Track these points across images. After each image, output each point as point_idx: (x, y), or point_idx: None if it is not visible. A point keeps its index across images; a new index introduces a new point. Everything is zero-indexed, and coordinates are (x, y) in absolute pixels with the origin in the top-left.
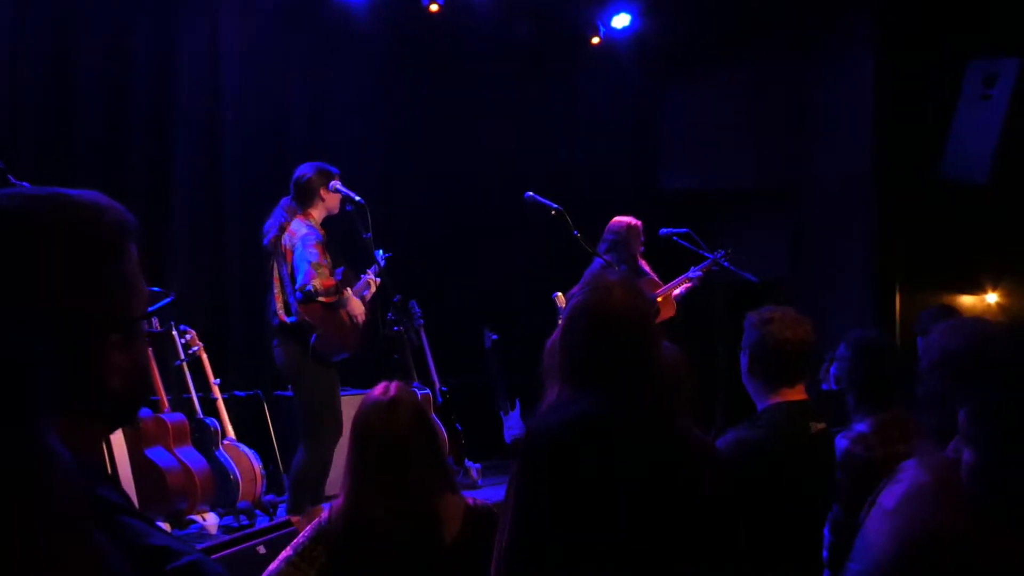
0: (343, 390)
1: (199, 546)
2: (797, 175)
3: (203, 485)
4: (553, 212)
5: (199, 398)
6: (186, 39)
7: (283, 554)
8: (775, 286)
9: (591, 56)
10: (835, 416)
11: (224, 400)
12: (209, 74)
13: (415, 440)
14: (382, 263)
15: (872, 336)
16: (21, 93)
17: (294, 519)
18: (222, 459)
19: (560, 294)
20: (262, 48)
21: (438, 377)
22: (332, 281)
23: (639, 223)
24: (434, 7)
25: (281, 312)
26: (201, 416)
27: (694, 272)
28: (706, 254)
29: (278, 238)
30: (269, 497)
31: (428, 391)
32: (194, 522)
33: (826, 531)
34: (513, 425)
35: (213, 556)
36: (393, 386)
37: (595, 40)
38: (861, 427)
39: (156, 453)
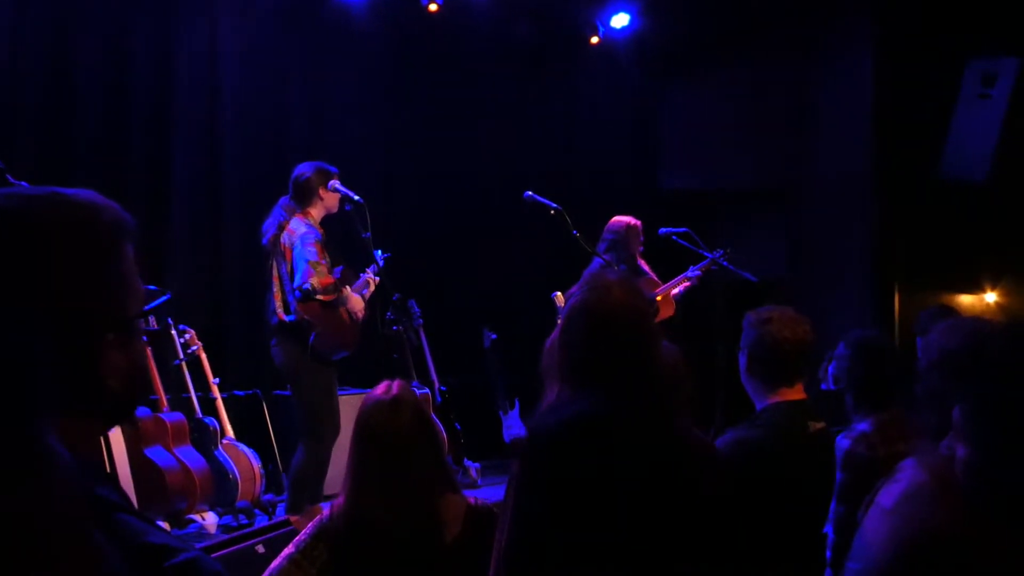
0: (342, 390)
1: (198, 545)
2: (796, 175)
3: (202, 484)
4: (552, 212)
5: (198, 398)
6: (185, 39)
7: (285, 551)
8: (774, 286)
9: (590, 56)
10: (834, 416)
11: (223, 399)
12: (208, 74)
13: (417, 439)
14: (381, 263)
15: (871, 335)
16: (21, 93)
17: (293, 518)
18: (221, 459)
19: (559, 294)
20: (261, 48)
21: (437, 376)
22: (330, 279)
23: (638, 223)
24: (433, 7)
25: (280, 311)
26: (200, 416)
27: (693, 271)
28: (705, 253)
29: (277, 237)
30: (268, 496)
31: (427, 390)
32: (193, 521)
33: (829, 529)
34: (512, 425)
35: (212, 555)
36: (395, 385)
37: (594, 40)
38: (863, 426)
39: (155, 453)
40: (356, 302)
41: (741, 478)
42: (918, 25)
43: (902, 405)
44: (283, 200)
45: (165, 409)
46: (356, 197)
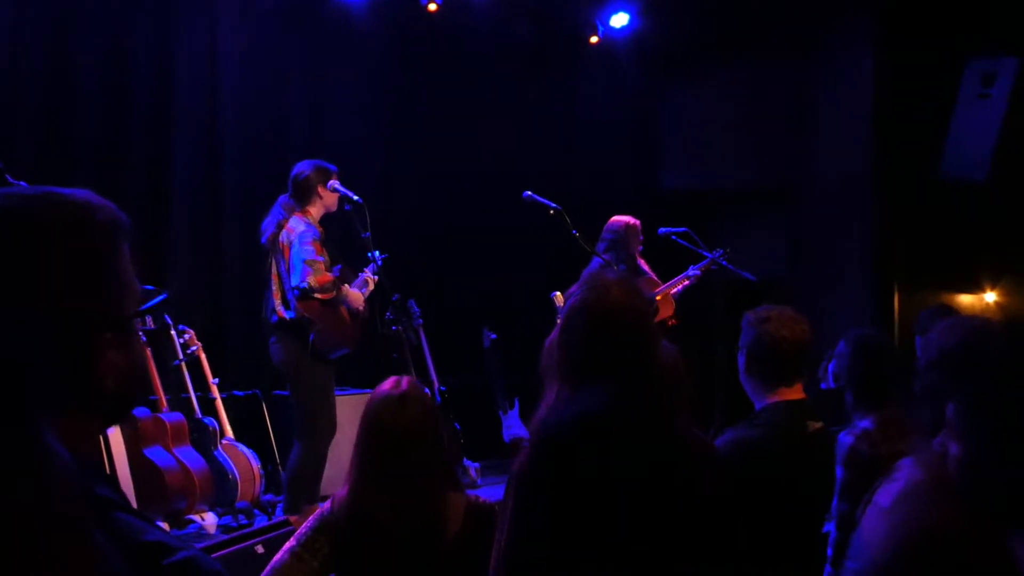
0: (341, 389)
1: (198, 545)
2: (796, 175)
3: (202, 485)
4: (552, 211)
5: (198, 398)
6: (185, 39)
7: (287, 545)
8: (774, 285)
9: (590, 55)
10: (833, 415)
11: (223, 400)
12: (208, 74)
13: (423, 435)
14: (379, 263)
15: (871, 334)
16: (21, 93)
17: (292, 518)
18: (221, 459)
19: (559, 293)
20: (261, 48)
21: (437, 376)
22: (328, 277)
23: (638, 222)
24: (433, 6)
25: (280, 308)
26: (200, 416)
27: (693, 271)
28: (705, 253)
29: (276, 235)
30: (268, 496)
31: (427, 390)
32: (193, 522)
33: (831, 527)
34: (512, 424)
35: (212, 556)
36: (405, 381)
37: (594, 39)
38: (864, 424)
39: (155, 453)
40: (355, 297)
41: (740, 478)
42: (918, 25)
43: (901, 403)
44: (282, 198)
45: (164, 409)
46: (355, 197)
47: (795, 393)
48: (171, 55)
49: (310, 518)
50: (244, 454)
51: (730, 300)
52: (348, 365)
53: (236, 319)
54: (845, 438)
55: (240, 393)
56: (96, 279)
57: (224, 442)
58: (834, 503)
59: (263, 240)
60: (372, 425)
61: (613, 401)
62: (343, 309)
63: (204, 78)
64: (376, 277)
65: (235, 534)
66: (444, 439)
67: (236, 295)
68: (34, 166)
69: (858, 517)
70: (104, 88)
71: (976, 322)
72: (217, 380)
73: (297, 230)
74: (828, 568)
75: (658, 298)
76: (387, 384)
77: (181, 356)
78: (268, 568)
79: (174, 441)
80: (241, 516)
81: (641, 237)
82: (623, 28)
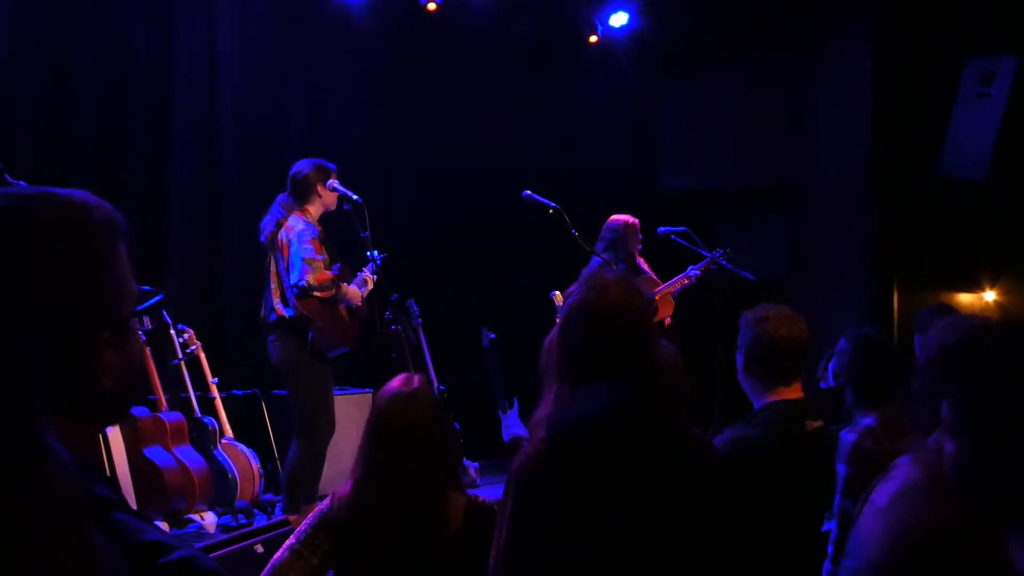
0: (341, 389)
1: (197, 545)
2: (795, 174)
3: (201, 484)
4: (551, 211)
5: (197, 397)
6: (185, 39)
7: (287, 543)
8: (773, 285)
9: (589, 55)
10: (832, 414)
11: (222, 399)
12: (207, 73)
13: (431, 434)
14: (378, 263)
15: (871, 332)
16: (20, 93)
17: (291, 518)
18: (220, 458)
19: (558, 293)
20: (260, 48)
21: (436, 376)
22: (327, 275)
23: (637, 221)
24: (432, 6)
25: (279, 307)
26: (199, 415)
27: (693, 271)
28: (704, 253)
29: (275, 234)
30: (267, 496)
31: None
32: (192, 521)
33: (832, 525)
34: (511, 424)
35: (211, 555)
36: (416, 379)
37: (593, 39)
38: (867, 421)
39: (154, 452)
40: (355, 294)
41: (739, 477)
42: (916, 24)
43: (901, 401)
44: (281, 197)
45: (164, 409)
46: (355, 196)
47: (794, 392)
48: (171, 55)
49: (310, 515)
50: (243, 453)
51: (729, 300)
52: (347, 364)
53: (235, 318)
54: (848, 436)
55: (239, 392)
56: (93, 279)
57: (223, 441)
58: (836, 500)
59: (262, 239)
60: (382, 421)
61: (623, 400)
62: (342, 308)
63: (204, 78)
64: (375, 276)
65: (234, 533)
66: (451, 438)
67: (235, 294)
68: (34, 166)
69: (855, 515)
70: (103, 88)
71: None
72: (216, 379)
73: (296, 229)
74: (828, 565)
75: (657, 298)
76: (398, 381)
77: (180, 355)
78: (268, 566)
79: (173, 441)
80: (240, 515)
81: (640, 236)
82: (622, 27)
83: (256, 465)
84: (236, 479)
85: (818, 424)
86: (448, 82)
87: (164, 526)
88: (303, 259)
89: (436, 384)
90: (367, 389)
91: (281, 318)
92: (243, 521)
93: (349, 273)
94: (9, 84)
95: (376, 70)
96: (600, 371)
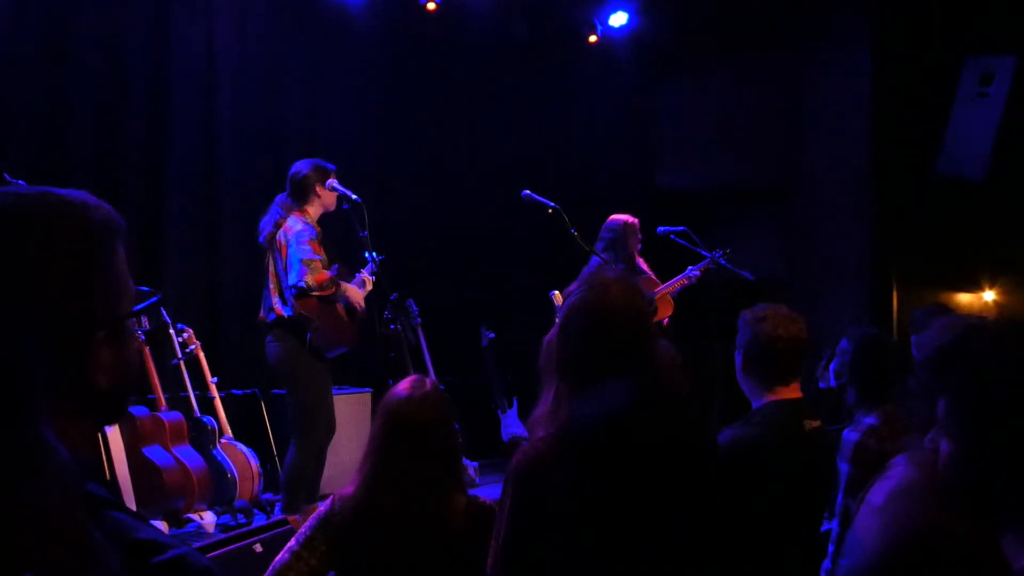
0: (340, 388)
1: (196, 544)
2: (794, 173)
3: (200, 483)
4: (550, 210)
5: (196, 397)
6: (183, 39)
7: (288, 544)
8: (772, 285)
9: (588, 54)
10: (830, 414)
11: (221, 399)
12: (206, 73)
13: (442, 435)
14: (375, 264)
15: (873, 332)
16: (18, 94)
17: (290, 518)
18: (219, 458)
19: (557, 292)
20: (259, 47)
21: (435, 375)
22: (326, 275)
23: (636, 221)
24: (431, 5)
25: (278, 306)
26: (198, 415)
27: (692, 271)
28: (703, 252)
29: (273, 234)
30: (267, 495)
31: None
32: (191, 520)
33: (834, 524)
34: (511, 423)
35: (210, 554)
36: (428, 381)
37: (592, 38)
38: (869, 420)
39: (153, 452)
40: (354, 293)
41: (737, 477)
42: (915, 23)
43: (901, 400)
44: (280, 198)
45: (163, 408)
46: (354, 196)
47: (792, 392)
48: (170, 55)
49: (311, 517)
50: (243, 453)
51: (728, 299)
52: (346, 364)
53: (234, 318)
54: (850, 435)
55: (239, 392)
56: (91, 278)
57: (223, 441)
58: (838, 499)
59: (260, 239)
60: (394, 422)
61: (640, 398)
62: (340, 308)
63: (202, 78)
64: (373, 277)
65: (233, 533)
66: (458, 440)
67: (235, 294)
68: (33, 165)
69: (852, 515)
70: (102, 88)
71: (970, 321)
72: (216, 379)
73: (294, 229)
74: (827, 564)
75: (657, 298)
76: (410, 382)
77: (180, 355)
78: (270, 569)
79: (173, 440)
80: (240, 515)
81: (639, 236)
82: (621, 27)
83: (255, 465)
84: (235, 479)
85: (816, 424)
86: (447, 81)
87: (163, 525)
88: (300, 260)
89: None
90: (366, 389)
91: (280, 318)
92: (242, 521)
93: (348, 273)
94: (8, 84)
95: (375, 70)
96: (600, 370)
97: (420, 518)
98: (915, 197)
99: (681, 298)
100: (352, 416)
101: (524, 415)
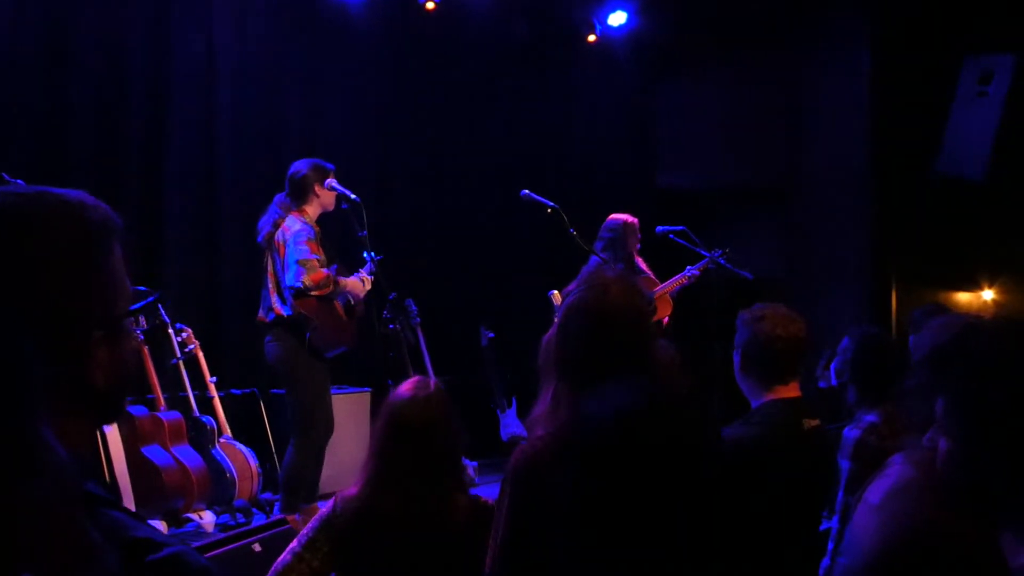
0: (339, 388)
1: (195, 544)
2: (794, 173)
3: (199, 483)
4: (549, 210)
5: (195, 396)
6: (182, 39)
7: (290, 546)
8: (771, 284)
9: (588, 53)
10: (829, 414)
11: (220, 398)
12: (206, 73)
13: (445, 436)
14: (374, 263)
15: (875, 331)
16: (18, 94)
17: (289, 518)
18: (218, 457)
19: (556, 292)
20: (259, 47)
21: (435, 375)
22: (323, 274)
23: (636, 220)
24: (431, 5)
25: (277, 305)
26: (197, 414)
27: (691, 271)
28: (703, 252)
29: (272, 234)
30: (266, 495)
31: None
32: (190, 520)
33: (834, 522)
34: (510, 423)
35: (209, 554)
36: (431, 381)
37: (591, 38)
38: (870, 418)
39: (152, 451)
40: (354, 285)
41: (736, 476)
42: (914, 22)
43: (901, 399)
44: (279, 197)
45: (162, 408)
46: (353, 196)
47: (791, 391)
48: (169, 55)
49: (314, 518)
50: (242, 452)
51: (727, 299)
52: (345, 364)
53: (234, 318)
54: (851, 432)
55: (238, 392)
56: (88, 278)
57: (222, 440)
58: (839, 496)
59: (259, 239)
60: (398, 422)
61: (648, 398)
62: (339, 307)
63: (202, 78)
64: (372, 277)
65: (232, 532)
66: (461, 441)
67: (234, 294)
68: (32, 165)
69: (850, 513)
70: (102, 87)
71: (968, 320)
72: (215, 379)
73: (293, 229)
74: (826, 562)
75: (656, 297)
76: (413, 383)
77: (179, 355)
78: (272, 569)
79: (172, 440)
80: (239, 515)
81: (639, 235)
82: (621, 26)
83: (254, 464)
84: (234, 478)
85: (815, 423)
86: (447, 81)
87: (162, 525)
88: (297, 261)
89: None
90: (365, 389)
91: (279, 317)
92: (241, 520)
93: (346, 273)
94: (8, 84)
95: (375, 70)
96: (599, 370)
97: (422, 518)
98: (914, 197)
99: (680, 298)
100: (351, 416)
101: (523, 414)
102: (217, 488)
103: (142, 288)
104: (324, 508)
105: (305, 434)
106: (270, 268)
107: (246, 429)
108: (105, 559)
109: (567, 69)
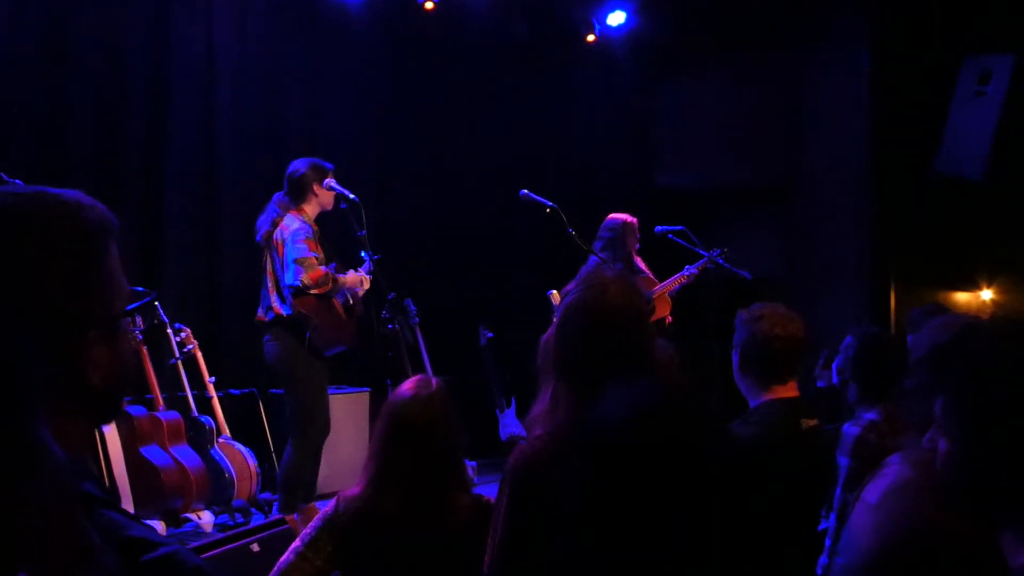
0: (338, 388)
1: (193, 544)
2: (793, 172)
3: (198, 483)
4: (548, 210)
5: (194, 396)
6: (182, 39)
7: (292, 546)
8: (770, 284)
9: (587, 53)
10: (828, 414)
11: (219, 398)
12: (205, 73)
13: (447, 435)
14: (373, 263)
15: (876, 330)
16: (18, 94)
17: (288, 518)
18: (217, 457)
19: (555, 292)
20: (258, 47)
21: (434, 375)
22: (321, 272)
23: (635, 220)
24: (429, 5)
25: (277, 305)
26: (196, 414)
27: (690, 270)
28: (702, 252)
29: (270, 233)
30: (264, 495)
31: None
32: (189, 520)
33: (832, 518)
34: (509, 423)
35: (207, 554)
36: (433, 381)
37: (591, 37)
38: (870, 415)
39: (151, 451)
40: (353, 281)
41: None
42: (914, 22)
43: (901, 398)
44: (277, 196)
45: (161, 408)
46: (351, 196)
47: (789, 391)
48: (169, 54)
49: (316, 518)
50: (241, 452)
51: (726, 298)
52: (343, 364)
53: (232, 317)
54: (850, 429)
55: (237, 392)
56: (85, 278)
57: (220, 440)
58: (836, 493)
59: (258, 238)
60: (400, 422)
61: (659, 400)
62: (339, 306)
63: (202, 77)
64: (370, 276)
65: (231, 532)
66: (462, 441)
67: (233, 293)
68: (32, 165)
69: (848, 513)
70: (102, 87)
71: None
72: (214, 379)
73: (291, 228)
74: (824, 559)
75: (655, 297)
76: (415, 382)
77: (177, 355)
78: (275, 569)
79: (170, 440)
80: (237, 514)
81: (638, 235)
82: (620, 26)
83: (253, 464)
84: (233, 478)
85: (813, 423)
86: (446, 81)
87: (161, 525)
88: (295, 259)
89: None
90: (364, 388)
91: (279, 316)
92: (240, 520)
93: (344, 272)
94: (8, 84)
95: (374, 69)
96: (598, 370)
97: (424, 518)
98: (914, 196)
99: (679, 298)
100: (350, 415)
101: (522, 414)
102: (216, 488)
103: (140, 288)
104: (327, 507)
105: (304, 434)
106: (269, 267)
107: (245, 429)
108: (103, 559)
109: (567, 69)
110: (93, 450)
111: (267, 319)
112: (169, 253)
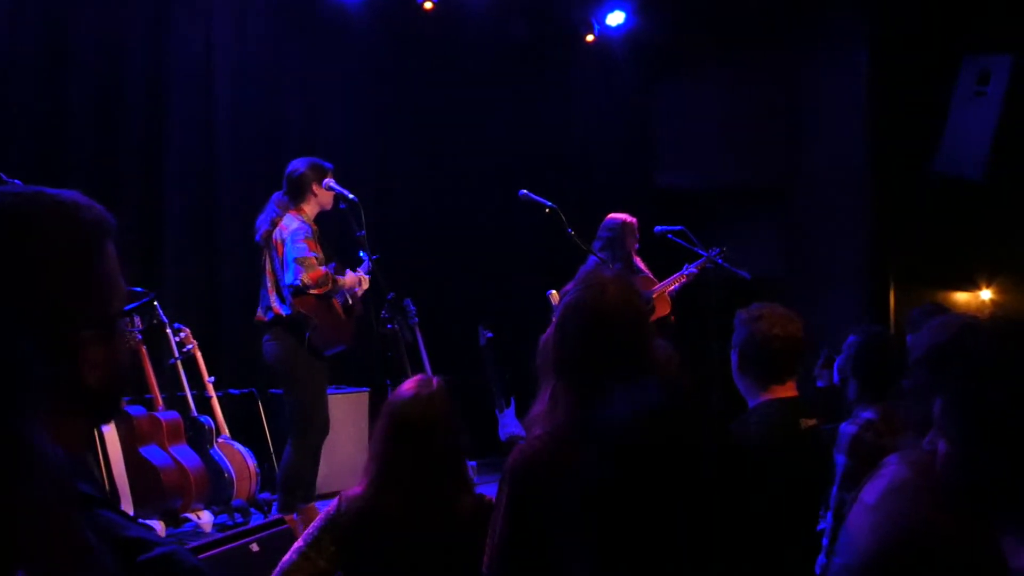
0: (337, 388)
1: (192, 544)
2: (792, 172)
3: (197, 483)
4: (548, 210)
5: (193, 396)
6: (182, 39)
7: (295, 545)
8: (769, 283)
9: (586, 53)
10: (827, 413)
11: (218, 398)
12: (204, 73)
13: (448, 435)
14: (372, 263)
15: (878, 329)
16: (18, 94)
17: (287, 518)
18: (216, 457)
19: (554, 292)
20: (257, 47)
21: (433, 375)
22: (321, 271)
23: (634, 220)
24: (429, 4)
25: (276, 305)
26: (195, 414)
27: (689, 270)
28: (701, 251)
29: (269, 233)
30: (264, 495)
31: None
32: (188, 520)
33: (829, 517)
34: (508, 423)
35: (206, 554)
36: (434, 380)
37: (590, 37)
38: (867, 414)
39: (150, 451)
40: (351, 281)
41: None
42: (913, 22)
43: (900, 398)
44: (276, 196)
45: (160, 408)
46: (351, 195)
47: (788, 391)
48: (169, 54)
49: (318, 517)
50: (240, 452)
51: (725, 298)
52: (343, 364)
53: (232, 317)
54: (847, 427)
55: (236, 391)
56: (81, 277)
57: (220, 440)
58: (833, 492)
59: (257, 238)
60: (401, 422)
61: (670, 399)
62: (338, 306)
63: (201, 77)
64: (369, 276)
65: (230, 532)
66: (463, 440)
67: (232, 293)
68: (32, 165)
69: (845, 513)
70: (101, 87)
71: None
72: (213, 378)
73: (290, 228)
74: (822, 559)
75: (654, 296)
76: (416, 382)
77: (177, 354)
78: (277, 569)
79: (170, 439)
80: (237, 514)
81: (637, 235)
82: (619, 26)
83: (252, 464)
84: (232, 478)
85: (812, 422)
86: (445, 81)
87: (160, 525)
88: (295, 259)
89: None
90: (363, 388)
91: (278, 316)
92: (239, 520)
93: (343, 271)
94: (8, 84)
95: (373, 69)
96: (597, 370)
97: (426, 518)
98: (913, 196)
99: (678, 297)
100: (349, 416)
101: (521, 414)
102: (215, 488)
103: (138, 288)
104: (329, 507)
105: (303, 434)
106: (268, 267)
107: (244, 429)
108: (101, 559)
109: (566, 69)
110: (93, 450)
111: (266, 319)
112: (168, 253)
